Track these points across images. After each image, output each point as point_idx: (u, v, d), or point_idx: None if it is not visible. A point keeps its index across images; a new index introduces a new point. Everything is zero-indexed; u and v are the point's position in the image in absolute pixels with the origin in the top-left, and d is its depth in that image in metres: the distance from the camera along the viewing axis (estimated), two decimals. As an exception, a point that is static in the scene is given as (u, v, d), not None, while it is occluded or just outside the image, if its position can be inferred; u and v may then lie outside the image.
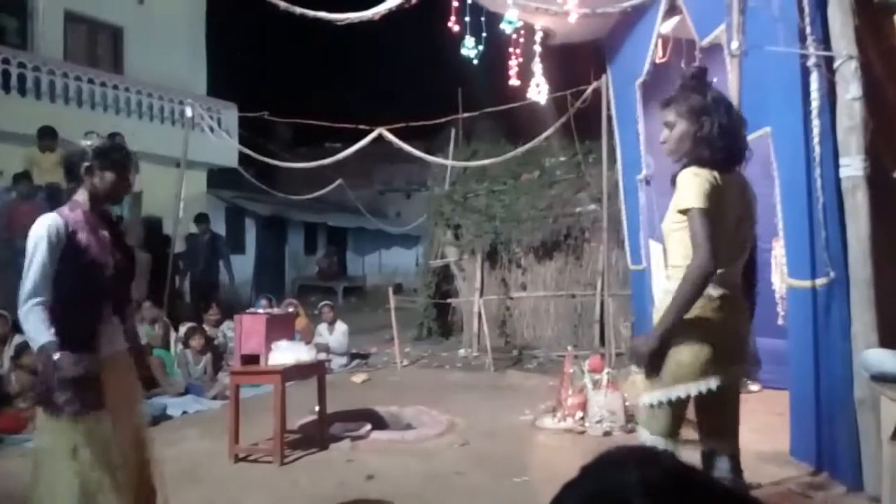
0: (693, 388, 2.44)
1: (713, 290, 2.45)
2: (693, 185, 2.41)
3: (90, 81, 12.06)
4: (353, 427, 5.21)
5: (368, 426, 5.26)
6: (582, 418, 5.19)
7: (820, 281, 3.79)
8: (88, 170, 2.72)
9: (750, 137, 4.03)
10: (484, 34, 5.45)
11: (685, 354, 2.44)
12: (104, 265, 2.70)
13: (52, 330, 2.57)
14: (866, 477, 3.50)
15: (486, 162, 9.33)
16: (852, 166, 3.52)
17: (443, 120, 9.98)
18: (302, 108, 9.84)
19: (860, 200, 3.51)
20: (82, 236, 2.66)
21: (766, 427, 4.70)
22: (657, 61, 5.72)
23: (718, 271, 2.41)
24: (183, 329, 7.47)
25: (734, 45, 3.56)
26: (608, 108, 7.21)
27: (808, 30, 3.69)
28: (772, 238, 4.72)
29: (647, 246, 6.84)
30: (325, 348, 7.92)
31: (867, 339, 3.44)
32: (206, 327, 7.82)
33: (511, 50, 6.28)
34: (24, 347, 5.90)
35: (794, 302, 4.17)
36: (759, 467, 4.02)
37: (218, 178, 15.62)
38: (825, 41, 3.65)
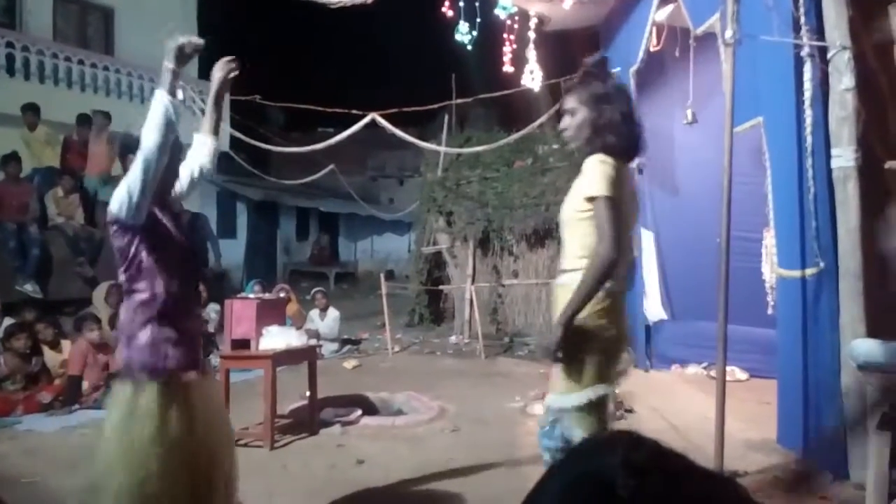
0: (612, 386, 2.47)
1: (613, 285, 2.43)
2: (601, 172, 2.39)
3: (80, 62, 11.92)
4: (344, 412, 5.22)
5: (359, 412, 5.27)
6: (571, 405, 5.21)
7: (809, 271, 3.81)
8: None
9: (742, 127, 4.07)
10: (478, 20, 5.43)
11: (598, 353, 2.44)
12: (178, 243, 2.68)
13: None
14: (852, 465, 3.53)
15: (479, 149, 9.31)
16: (844, 157, 3.53)
17: (436, 106, 9.92)
18: (295, 92, 9.76)
19: (851, 191, 3.52)
20: (155, 212, 2.62)
21: (754, 415, 4.74)
22: (651, 49, 5.71)
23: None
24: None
25: (728, 33, 3.54)
26: (602, 96, 7.18)
27: (802, 20, 3.69)
28: (762, 228, 4.74)
29: (639, 234, 6.85)
30: (314, 334, 7.92)
31: (855, 328, 3.46)
32: (196, 312, 7.80)
33: (505, 36, 6.26)
34: (13, 330, 5.87)
35: (783, 291, 4.20)
36: (747, 455, 4.07)
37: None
38: (819, 31, 3.65)
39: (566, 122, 2.59)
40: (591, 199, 2.39)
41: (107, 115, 9.61)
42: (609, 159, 2.42)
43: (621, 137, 2.47)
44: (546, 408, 2.66)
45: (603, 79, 2.57)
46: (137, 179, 2.44)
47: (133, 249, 2.58)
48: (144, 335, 2.60)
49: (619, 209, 2.37)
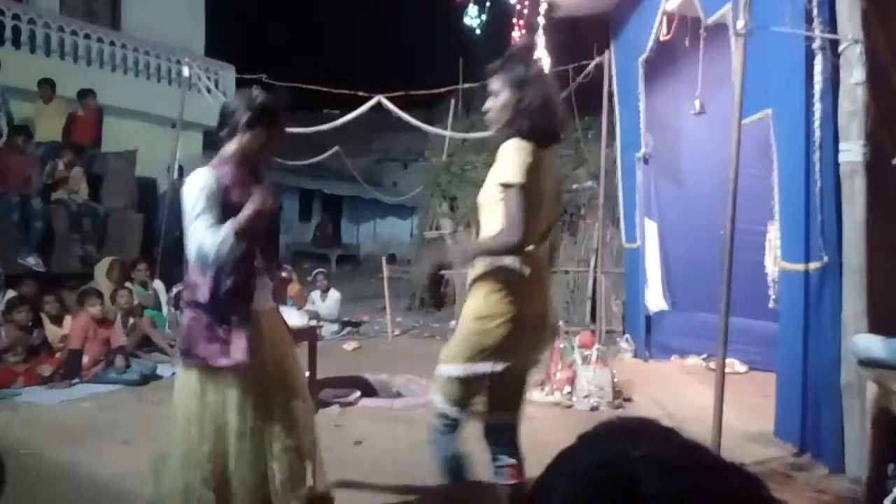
0: (495, 367, 2.48)
1: (524, 269, 2.45)
2: (516, 159, 2.39)
3: (87, 37, 11.86)
4: (343, 393, 5.24)
5: (358, 393, 5.29)
6: (570, 393, 5.23)
7: (813, 265, 3.80)
8: (247, 124, 2.63)
9: (751, 118, 4.04)
10: (488, 4, 5.39)
11: (491, 332, 2.45)
12: None
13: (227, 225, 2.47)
14: (848, 459, 3.54)
15: (484, 134, 9.22)
16: (852, 151, 3.51)
17: (443, 90, 9.87)
18: (301, 72, 9.72)
19: (858, 186, 3.50)
20: (234, 192, 2.57)
21: (752, 407, 4.75)
22: (662, 39, 5.65)
23: (529, 248, 2.43)
24: (175, 290, 7.46)
25: (740, 24, 3.52)
26: (610, 85, 7.14)
27: (815, 12, 3.65)
28: (766, 220, 4.72)
29: (643, 224, 6.84)
30: (315, 315, 7.94)
31: (857, 324, 3.45)
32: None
33: (514, 21, 6.21)
34: (15, 303, 5.89)
35: (786, 285, 4.19)
36: (744, 446, 4.08)
37: (214, 139, 15.47)
38: (832, 24, 3.62)
39: (490, 103, 2.59)
40: (504, 186, 2.39)
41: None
42: (526, 145, 2.41)
43: (538, 123, 2.47)
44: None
45: (527, 63, 2.59)
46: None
47: None
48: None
49: (531, 197, 2.38)
